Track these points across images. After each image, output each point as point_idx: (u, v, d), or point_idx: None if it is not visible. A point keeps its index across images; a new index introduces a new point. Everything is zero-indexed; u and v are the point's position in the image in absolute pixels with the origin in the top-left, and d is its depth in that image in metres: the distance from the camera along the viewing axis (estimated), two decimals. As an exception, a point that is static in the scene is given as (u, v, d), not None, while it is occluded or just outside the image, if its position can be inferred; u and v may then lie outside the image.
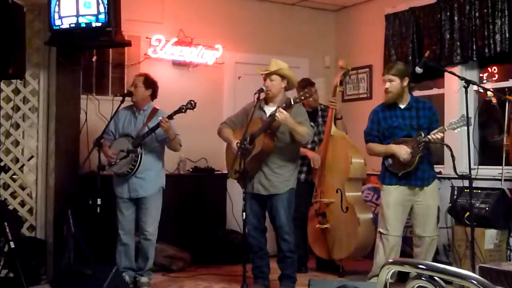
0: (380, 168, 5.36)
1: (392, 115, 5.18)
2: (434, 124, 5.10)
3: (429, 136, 4.93)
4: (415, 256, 5.22)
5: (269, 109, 5.34)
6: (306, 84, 6.27)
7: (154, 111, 5.56)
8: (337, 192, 6.08)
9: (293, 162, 5.40)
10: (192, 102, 5.26)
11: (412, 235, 5.35)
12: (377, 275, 4.64)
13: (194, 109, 5.29)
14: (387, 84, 5.11)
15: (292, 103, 4.95)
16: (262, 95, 5.27)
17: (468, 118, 4.81)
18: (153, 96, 5.64)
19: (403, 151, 4.99)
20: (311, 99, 5.99)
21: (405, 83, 5.12)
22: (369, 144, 5.28)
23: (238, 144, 5.08)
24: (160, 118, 5.25)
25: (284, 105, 4.96)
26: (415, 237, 5.24)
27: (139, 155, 5.35)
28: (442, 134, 4.93)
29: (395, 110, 5.18)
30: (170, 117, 5.26)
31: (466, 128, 4.83)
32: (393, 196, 5.12)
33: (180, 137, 5.50)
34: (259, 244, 5.41)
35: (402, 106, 5.17)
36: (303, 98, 5.00)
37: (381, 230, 5.18)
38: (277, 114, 4.90)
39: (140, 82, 5.55)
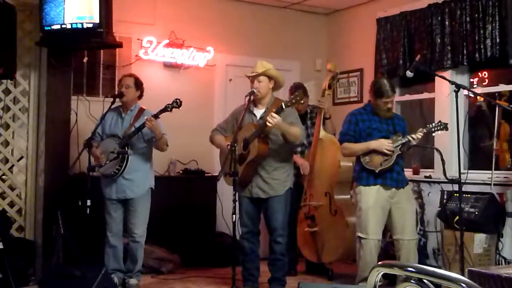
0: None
1: (370, 119, 5.26)
2: (405, 134, 5.21)
3: (408, 136, 5.01)
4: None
5: (258, 111, 5.37)
6: (297, 88, 6.27)
7: (141, 111, 5.54)
8: (325, 195, 6.09)
9: (289, 162, 5.42)
10: (177, 100, 5.21)
11: (392, 239, 5.36)
12: (365, 279, 4.65)
13: (180, 108, 5.23)
14: (390, 105, 5.20)
15: (284, 107, 4.96)
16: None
17: (446, 124, 4.99)
18: (141, 96, 5.64)
19: (384, 142, 5.05)
20: (302, 101, 5.99)
21: None
22: (345, 143, 5.28)
23: (228, 147, 5.08)
24: (146, 117, 5.25)
25: (275, 110, 4.97)
26: (395, 241, 5.24)
27: (126, 156, 5.34)
28: (421, 135, 5.02)
29: (373, 116, 5.26)
30: (156, 116, 5.24)
31: (443, 132, 5.00)
32: (372, 198, 5.12)
33: (167, 137, 5.48)
34: (252, 247, 5.40)
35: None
36: (294, 101, 5.01)
37: (360, 235, 5.14)
38: (269, 119, 4.90)
39: (131, 82, 5.53)
